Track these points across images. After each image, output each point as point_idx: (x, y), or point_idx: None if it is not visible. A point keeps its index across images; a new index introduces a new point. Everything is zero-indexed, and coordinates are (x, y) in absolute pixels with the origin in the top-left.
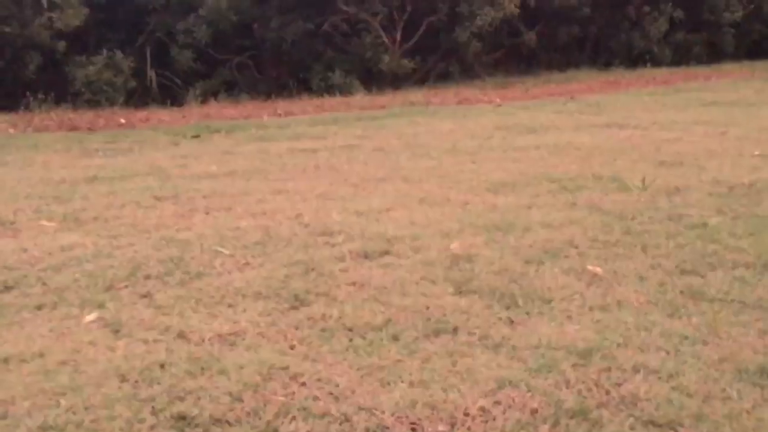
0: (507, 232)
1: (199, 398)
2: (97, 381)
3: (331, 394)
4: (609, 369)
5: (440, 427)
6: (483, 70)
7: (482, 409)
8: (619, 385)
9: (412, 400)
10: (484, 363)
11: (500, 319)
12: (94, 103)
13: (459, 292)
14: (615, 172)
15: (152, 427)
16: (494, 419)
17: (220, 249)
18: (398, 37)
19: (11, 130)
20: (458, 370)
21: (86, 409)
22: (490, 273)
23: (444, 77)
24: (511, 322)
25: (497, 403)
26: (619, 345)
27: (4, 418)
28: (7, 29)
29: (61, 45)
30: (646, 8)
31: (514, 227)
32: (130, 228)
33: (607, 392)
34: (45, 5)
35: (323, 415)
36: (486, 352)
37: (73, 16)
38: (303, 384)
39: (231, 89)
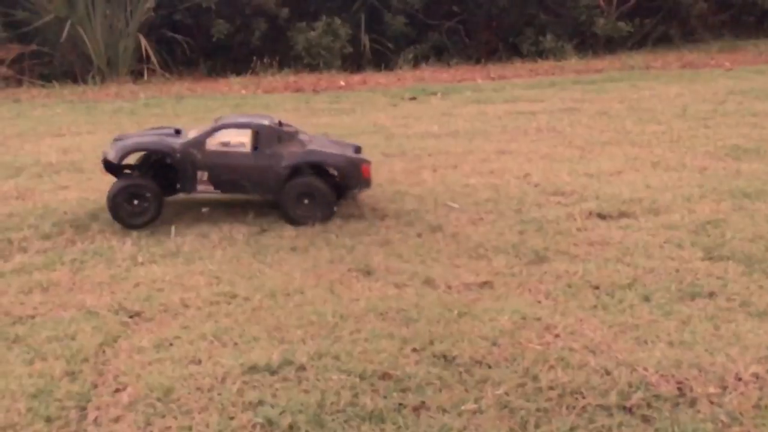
0: (756, 198)
1: (457, 341)
2: (358, 317)
3: (587, 347)
4: None
5: (711, 389)
6: (707, 32)
7: (755, 375)
8: None
9: (676, 359)
10: (750, 329)
11: (761, 287)
12: (312, 68)
13: (710, 257)
14: None
15: (417, 362)
16: None
17: (451, 204)
18: None
19: (243, 91)
20: (722, 335)
21: (353, 341)
22: (744, 240)
23: (663, 41)
24: None
25: None
26: None
27: (281, 342)
28: None
29: (284, 12)
30: None
31: (764, 194)
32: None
33: None
34: None
35: (582, 367)
36: (750, 319)
37: None
38: (557, 335)
39: (440, 54)
